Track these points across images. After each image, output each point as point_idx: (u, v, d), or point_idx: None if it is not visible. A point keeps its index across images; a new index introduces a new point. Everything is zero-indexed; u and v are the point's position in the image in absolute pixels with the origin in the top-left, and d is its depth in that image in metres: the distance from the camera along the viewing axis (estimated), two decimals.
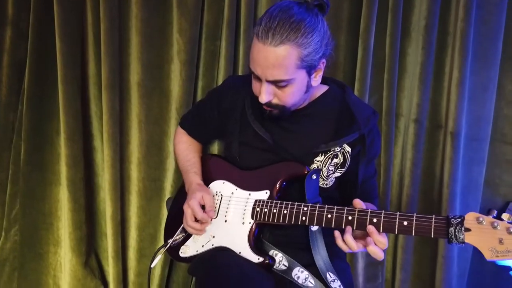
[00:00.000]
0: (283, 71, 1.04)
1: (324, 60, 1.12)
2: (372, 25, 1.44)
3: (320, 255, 1.12)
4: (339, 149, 1.18)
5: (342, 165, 1.19)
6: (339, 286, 1.10)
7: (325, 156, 1.18)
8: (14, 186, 1.67)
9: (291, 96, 1.11)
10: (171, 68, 1.58)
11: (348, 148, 1.19)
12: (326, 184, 1.20)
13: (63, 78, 1.54)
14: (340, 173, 1.20)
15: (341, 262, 1.24)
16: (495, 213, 0.86)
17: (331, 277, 1.10)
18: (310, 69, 1.09)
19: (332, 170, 1.19)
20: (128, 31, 1.57)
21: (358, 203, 1.02)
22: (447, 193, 1.48)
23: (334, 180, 1.20)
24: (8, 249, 1.70)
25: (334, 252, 1.18)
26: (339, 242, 1.00)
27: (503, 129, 1.57)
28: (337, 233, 1.01)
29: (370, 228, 0.97)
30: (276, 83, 1.07)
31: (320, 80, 1.16)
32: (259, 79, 1.09)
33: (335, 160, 1.18)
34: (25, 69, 1.60)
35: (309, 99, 1.22)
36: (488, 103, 1.51)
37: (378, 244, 0.97)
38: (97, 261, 1.75)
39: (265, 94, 1.09)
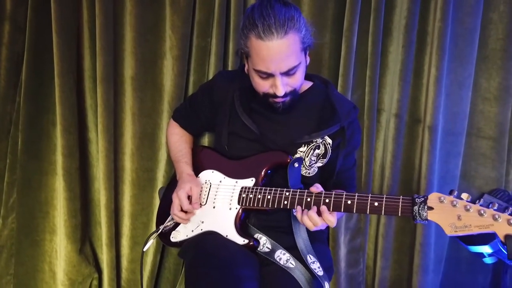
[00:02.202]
0: (294, 58, 1.13)
1: (311, 38, 1.19)
2: (355, 24, 1.52)
3: (302, 238, 1.20)
4: (321, 140, 1.26)
5: (324, 155, 1.27)
6: (318, 267, 1.18)
7: (308, 147, 1.26)
8: (11, 175, 1.73)
9: (299, 79, 1.19)
10: (164, 63, 1.65)
11: (329, 140, 1.27)
12: (309, 173, 1.28)
13: (59, 72, 1.60)
14: (322, 163, 1.28)
15: (321, 245, 1.32)
16: (455, 193, 0.95)
17: (311, 259, 1.18)
18: (306, 49, 1.18)
19: (314, 160, 1.27)
20: (123, 27, 1.63)
21: (315, 189, 1.12)
22: (425, 184, 1.57)
23: (316, 169, 1.29)
24: (6, 236, 1.76)
25: (314, 236, 1.26)
26: (304, 218, 1.10)
27: (478, 124, 1.65)
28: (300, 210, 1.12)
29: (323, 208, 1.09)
30: (288, 72, 1.14)
31: (309, 58, 1.24)
32: (267, 77, 1.16)
33: (317, 151, 1.26)
34: (23, 63, 1.66)
35: (300, 89, 1.29)
36: (464, 100, 1.59)
37: (327, 222, 1.08)
38: (92, 249, 1.81)
39: (282, 87, 1.16)
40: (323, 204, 1.09)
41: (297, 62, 1.14)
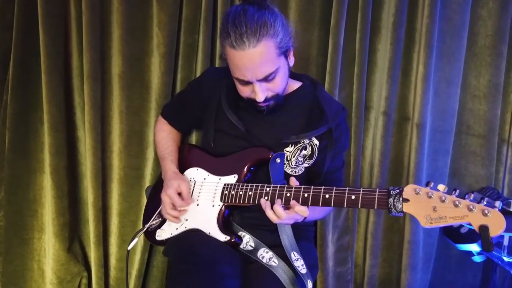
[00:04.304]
0: (270, 65, 1.11)
1: (291, 40, 1.18)
2: (342, 21, 1.51)
3: (286, 234, 1.19)
4: (308, 141, 1.26)
5: (310, 156, 1.26)
6: (302, 265, 1.17)
7: (294, 147, 1.25)
8: None
9: (281, 83, 1.18)
10: (151, 61, 1.64)
11: (316, 141, 1.26)
12: (295, 172, 1.27)
13: (46, 69, 1.59)
14: (308, 164, 1.27)
15: (307, 243, 1.31)
16: (432, 184, 0.94)
17: (295, 256, 1.17)
18: (286, 53, 1.16)
19: (301, 161, 1.26)
20: (110, 25, 1.62)
21: (293, 181, 1.12)
22: (413, 182, 1.56)
23: (303, 169, 1.27)
24: None
25: (300, 234, 1.26)
26: (268, 212, 1.09)
27: (468, 122, 1.65)
28: (265, 203, 1.10)
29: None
30: (266, 78, 1.13)
31: (293, 59, 1.23)
32: (246, 83, 1.15)
33: (304, 152, 1.26)
34: (10, 60, 1.65)
35: (284, 92, 1.28)
36: (452, 97, 1.58)
37: (299, 213, 1.07)
38: (81, 247, 1.81)
39: (261, 93, 1.15)
40: (302, 198, 1.08)
41: (274, 68, 1.12)
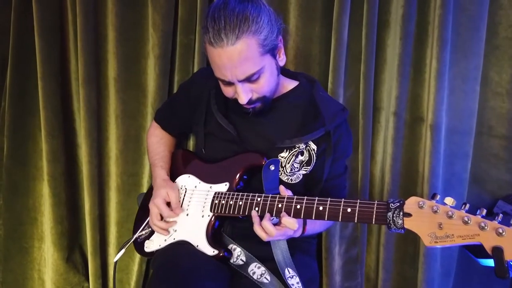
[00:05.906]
0: (251, 64, 1.02)
1: (280, 37, 1.09)
2: (345, 15, 1.39)
3: (280, 249, 1.09)
4: (304, 146, 1.15)
5: (308, 163, 1.16)
6: (297, 283, 1.06)
7: (289, 152, 1.15)
8: None
9: (267, 84, 1.08)
10: (147, 63, 1.58)
11: (313, 146, 1.15)
12: (292, 180, 1.16)
13: (42, 74, 1.56)
14: (306, 171, 1.16)
15: (304, 256, 1.20)
16: (438, 197, 0.82)
17: (289, 273, 1.07)
18: (273, 51, 1.07)
19: (297, 167, 1.15)
20: (105, 27, 1.57)
21: (283, 190, 1.02)
22: (427, 189, 1.42)
23: (301, 176, 1.17)
24: None
25: (296, 246, 1.15)
26: (256, 228, 0.99)
27: (489, 122, 1.49)
28: (255, 218, 1.01)
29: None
30: (248, 79, 1.04)
31: (285, 58, 1.14)
32: (229, 84, 1.07)
33: (300, 158, 1.15)
34: (7, 67, 1.63)
35: (278, 92, 1.19)
36: (470, 95, 1.43)
37: (287, 225, 0.97)
38: (83, 257, 1.77)
39: (244, 94, 1.06)
40: (294, 210, 0.98)
41: (256, 68, 1.02)
